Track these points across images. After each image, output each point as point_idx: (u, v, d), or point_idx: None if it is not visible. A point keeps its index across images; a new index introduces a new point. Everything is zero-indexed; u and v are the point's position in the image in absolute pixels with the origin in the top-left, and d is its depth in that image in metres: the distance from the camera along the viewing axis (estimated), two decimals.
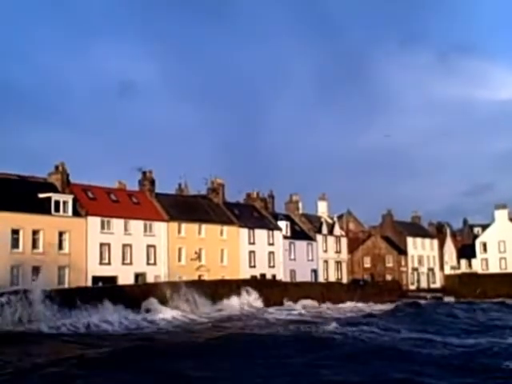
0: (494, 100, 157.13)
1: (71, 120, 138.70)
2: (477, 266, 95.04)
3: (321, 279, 72.44)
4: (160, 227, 55.61)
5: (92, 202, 51.97)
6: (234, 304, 50.99)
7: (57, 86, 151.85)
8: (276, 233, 67.67)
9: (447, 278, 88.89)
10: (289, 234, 69.61)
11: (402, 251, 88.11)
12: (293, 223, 72.08)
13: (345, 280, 76.92)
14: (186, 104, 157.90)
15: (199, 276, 56.66)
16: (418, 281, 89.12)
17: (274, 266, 66.45)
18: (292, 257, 69.50)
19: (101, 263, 50.27)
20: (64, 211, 48.58)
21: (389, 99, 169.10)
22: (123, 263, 52.03)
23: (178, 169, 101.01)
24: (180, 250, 56.71)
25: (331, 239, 76.68)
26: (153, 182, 58.65)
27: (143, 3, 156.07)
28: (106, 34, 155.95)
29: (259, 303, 53.49)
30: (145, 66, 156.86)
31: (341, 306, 60.07)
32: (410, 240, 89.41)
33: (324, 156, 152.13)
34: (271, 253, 66.55)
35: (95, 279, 48.76)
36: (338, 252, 77.57)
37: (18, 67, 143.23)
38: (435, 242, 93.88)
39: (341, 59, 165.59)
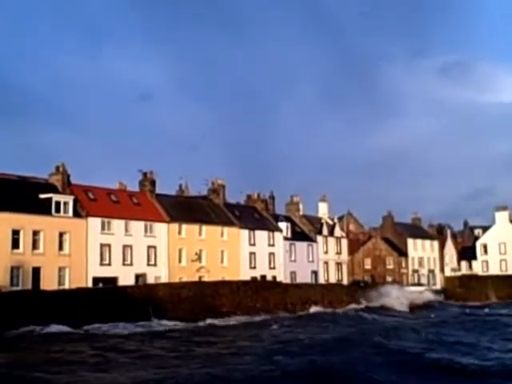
0: (496, 103, 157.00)
1: (72, 121, 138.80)
2: (477, 267, 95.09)
3: (321, 280, 72.30)
4: (160, 228, 55.56)
5: (92, 202, 51.90)
6: None
7: (61, 88, 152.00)
8: (276, 234, 67.59)
9: (447, 279, 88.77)
10: (289, 236, 69.52)
11: (403, 253, 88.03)
12: (293, 224, 71.99)
13: (345, 281, 76.80)
14: (188, 106, 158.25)
15: (199, 277, 56.60)
16: (419, 282, 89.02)
17: (274, 268, 66.36)
18: (292, 258, 69.39)
19: (101, 264, 50.18)
20: (64, 212, 48.53)
21: (391, 103, 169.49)
22: (124, 264, 51.95)
23: (179, 170, 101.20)
24: (180, 250, 56.63)
25: (332, 240, 76.61)
26: (153, 183, 58.57)
27: (152, 10, 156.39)
28: (115, 39, 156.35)
29: None
30: (150, 70, 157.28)
31: None
32: (410, 241, 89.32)
33: (325, 157, 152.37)
34: (271, 254, 66.46)
35: (95, 280, 48.73)
36: (339, 253, 77.51)
37: (23, 67, 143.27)
38: (436, 243, 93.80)
39: (346, 64, 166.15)
